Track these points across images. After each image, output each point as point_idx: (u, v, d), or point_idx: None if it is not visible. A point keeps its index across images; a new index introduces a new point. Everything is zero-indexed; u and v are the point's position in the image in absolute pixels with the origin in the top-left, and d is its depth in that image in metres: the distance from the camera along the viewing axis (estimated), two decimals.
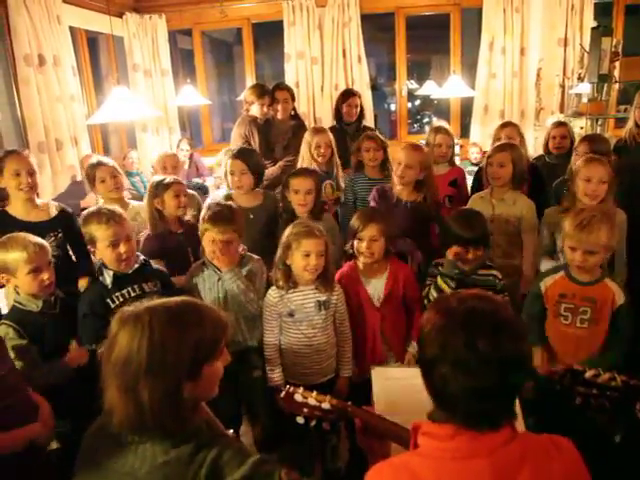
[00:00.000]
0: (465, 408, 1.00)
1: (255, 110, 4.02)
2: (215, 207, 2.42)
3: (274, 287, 2.37)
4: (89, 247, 2.27)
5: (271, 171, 3.80)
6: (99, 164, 3.07)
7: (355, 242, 2.43)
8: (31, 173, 2.68)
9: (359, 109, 4.26)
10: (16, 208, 2.69)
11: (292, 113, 4.26)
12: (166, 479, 1.11)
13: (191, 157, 5.38)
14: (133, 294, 2.25)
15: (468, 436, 1.00)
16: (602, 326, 2.20)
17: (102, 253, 2.23)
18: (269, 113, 4.09)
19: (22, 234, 2.14)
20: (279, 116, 4.16)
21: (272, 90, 4.16)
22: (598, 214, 2.17)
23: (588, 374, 1.47)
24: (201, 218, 2.44)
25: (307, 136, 3.46)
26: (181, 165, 3.92)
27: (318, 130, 3.53)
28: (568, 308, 2.21)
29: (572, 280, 2.23)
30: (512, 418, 1.04)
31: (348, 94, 4.29)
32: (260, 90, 4.05)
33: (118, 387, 1.13)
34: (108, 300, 2.21)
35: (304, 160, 3.46)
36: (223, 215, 2.37)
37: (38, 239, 2.15)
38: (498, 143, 3.22)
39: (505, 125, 3.68)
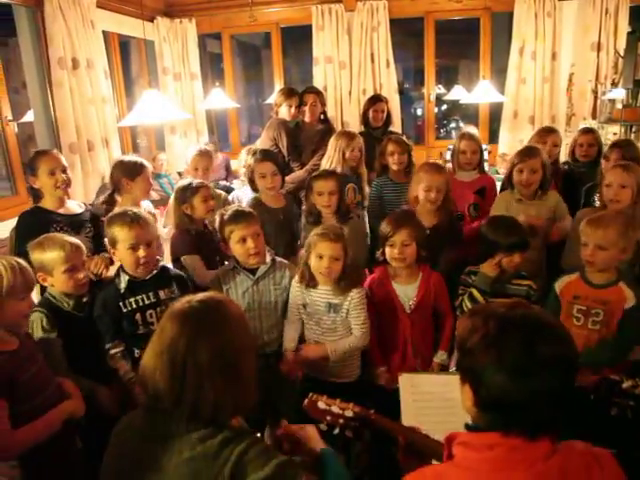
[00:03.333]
0: (522, 414, 0.98)
1: (283, 112, 4.05)
2: (230, 210, 2.46)
3: (297, 278, 2.42)
4: (109, 248, 2.27)
5: (298, 174, 3.80)
6: (145, 166, 3.02)
7: (387, 248, 2.40)
8: (64, 170, 2.75)
9: (385, 114, 4.27)
10: (49, 204, 2.76)
11: (321, 117, 4.25)
12: (192, 473, 1.12)
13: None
14: (147, 301, 2.24)
15: (508, 447, 0.98)
16: (612, 329, 2.19)
17: (121, 255, 2.22)
18: (297, 115, 4.10)
19: (58, 234, 2.18)
20: (307, 119, 4.17)
21: (301, 93, 4.18)
22: (611, 213, 2.24)
23: (625, 384, 1.43)
24: (219, 226, 2.46)
25: (340, 141, 3.42)
26: (215, 166, 3.85)
27: (353, 135, 3.51)
28: (580, 310, 2.22)
29: (586, 282, 2.23)
30: (557, 429, 1.02)
31: (375, 99, 4.31)
32: (288, 91, 4.09)
33: (163, 371, 1.18)
34: (120, 304, 2.21)
35: (332, 164, 3.44)
36: (242, 212, 2.43)
37: (74, 239, 2.17)
38: (524, 147, 3.13)
39: (550, 131, 3.63)
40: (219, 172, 5.23)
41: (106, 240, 2.40)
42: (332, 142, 3.47)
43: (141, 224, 2.21)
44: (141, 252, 2.18)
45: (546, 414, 0.99)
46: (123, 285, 2.22)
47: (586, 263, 2.21)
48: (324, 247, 2.27)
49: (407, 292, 2.44)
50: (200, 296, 1.29)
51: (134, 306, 2.21)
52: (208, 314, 1.23)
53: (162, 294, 2.27)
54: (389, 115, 4.32)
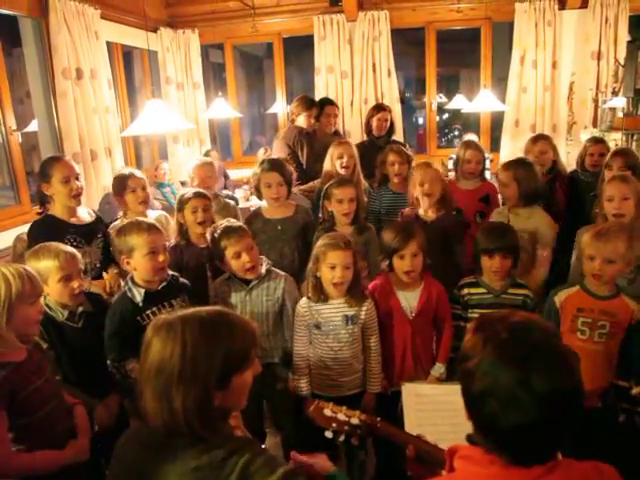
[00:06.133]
0: (514, 444, 0.95)
1: (301, 121, 4.05)
2: (220, 226, 2.46)
3: (304, 298, 2.38)
4: (123, 258, 2.23)
5: (315, 183, 3.76)
6: (131, 175, 3.04)
7: (396, 260, 2.37)
8: (77, 177, 2.71)
9: (389, 123, 4.29)
10: (60, 211, 2.70)
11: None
12: None
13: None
14: (163, 311, 2.20)
15: (508, 463, 0.95)
16: (617, 341, 2.15)
17: (139, 262, 2.19)
18: (315, 125, 4.13)
19: (54, 243, 2.15)
20: (327, 130, 4.25)
21: (321, 104, 4.25)
22: (615, 225, 2.20)
23: (635, 391, 1.40)
24: (211, 243, 2.46)
25: (331, 149, 3.47)
26: (216, 176, 3.69)
27: (341, 142, 3.56)
28: (586, 322, 2.16)
29: (589, 294, 2.19)
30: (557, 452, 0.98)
31: (379, 108, 4.33)
32: (308, 102, 4.10)
33: (152, 393, 1.16)
34: (139, 318, 2.17)
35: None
36: (232, 227, 2.43)
37: (69, 248, 2.15)
38: (503, 162, 3.16)
39: (537, 139, 3.63)
40: (219, 181, 5.24)
41: (114, 251, 2.40)
42: (327, 153, 3.49)
43: (156, 230, 2.24)
44: (161, 257, 2.20)
45: (538, 446, 0.95)
46: (140, 298, 2.19)
47: (593, 277, 2.16)
48: (335, 256, 2.24)
49: (409, 299, 2.42)
50: (184, 311, 1.25)
51: (152, 318, 2.14)
52: (195, 327, 1.18)
53: (175, 303, 2.26)
54: (392, 124, 4.34)
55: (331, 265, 2.25)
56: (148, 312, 2.19)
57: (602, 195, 2.65)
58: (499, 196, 3.54)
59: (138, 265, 2.20)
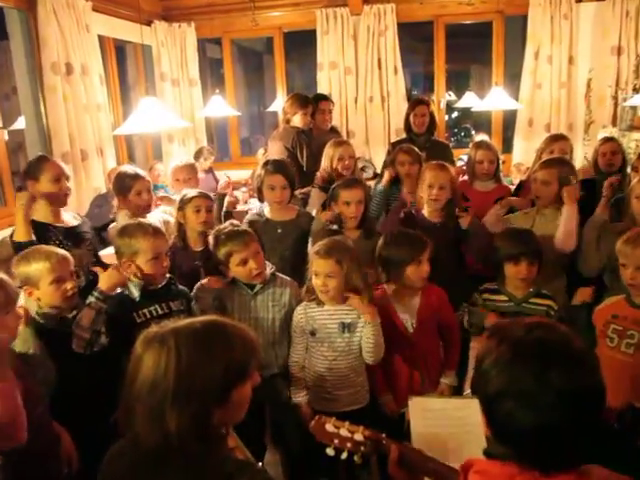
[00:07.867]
0: (532, 447, 0.92)
1: (297, 120, 3.95)
2: (223, 230, 2.40)
3: (302, 303, 2.34)
4: (124, 260, 2.20)
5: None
6: (137, 176, 2.99)
7: (409, 268, 2.30)
8: (67, 179, 2.70)
9: (429, 119, 3.96)
10: (44, 215, 2.60)
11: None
12: None
13: (210, 170, 5.22)
14: (160, 312, 2.23)
15: (529, 477, 0.92)
16: None
17: (142, 266, 2.19)
18: (311, 123, 4.04)
19: (45, 246, 2.16)
20: (323, 127, 4.18)
21: (315, 100, 4.16)
22: None
23: None
24: (214, 248, 2.40)
25: (328, 149, 3.41)
26: (197, 178, 3.69)
27: (340, 142, 3.49)
28: (616, 330, 2.14)
29: (629, 303, 2.15)
30: (581, 461, 0.95)
31: (416, 103, 4.03)
32: (303, 100, 4.01)
33: (144, 413, 1.11)
34: (134, 314, 2.17)
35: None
36: (237, 232, 2.38)
37: (60, 250, 2.14)
38: (545, 158, 3.06)
39: (559, 137, 3.52)
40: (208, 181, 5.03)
41: (114, 251, 2.37)
42: (325, 153, 3.42)
43: (162, 234, 2.28)
44: (165, 262, 2.24)
45: (560, 450, 0.92)
46: (137, 294, 2.21)
47: (629, 287, 2.12)
48: (317, 264, 2.22)
49: (408, 310, 2.37)
50: (176, 323, 1.19)
51: (148, 316, 2.19)
52: (189, 341, 1.14)
53: (173, 305, 2.28)
54: (433, 119, 4.00)
55: (315, 272, 2.24)
56: (144, 310, 2.20)
57: (631, 195, 2.61)
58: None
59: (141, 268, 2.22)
